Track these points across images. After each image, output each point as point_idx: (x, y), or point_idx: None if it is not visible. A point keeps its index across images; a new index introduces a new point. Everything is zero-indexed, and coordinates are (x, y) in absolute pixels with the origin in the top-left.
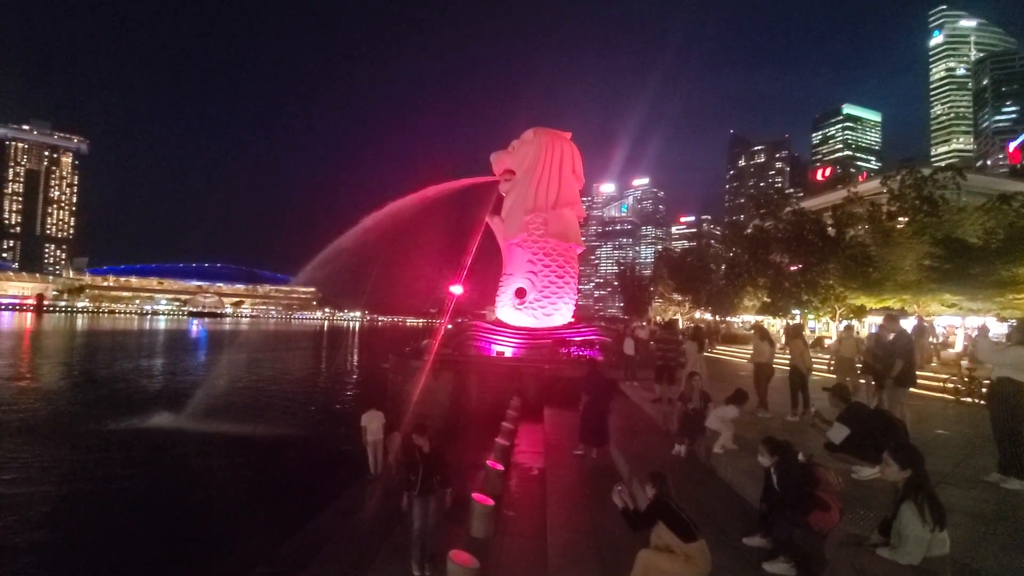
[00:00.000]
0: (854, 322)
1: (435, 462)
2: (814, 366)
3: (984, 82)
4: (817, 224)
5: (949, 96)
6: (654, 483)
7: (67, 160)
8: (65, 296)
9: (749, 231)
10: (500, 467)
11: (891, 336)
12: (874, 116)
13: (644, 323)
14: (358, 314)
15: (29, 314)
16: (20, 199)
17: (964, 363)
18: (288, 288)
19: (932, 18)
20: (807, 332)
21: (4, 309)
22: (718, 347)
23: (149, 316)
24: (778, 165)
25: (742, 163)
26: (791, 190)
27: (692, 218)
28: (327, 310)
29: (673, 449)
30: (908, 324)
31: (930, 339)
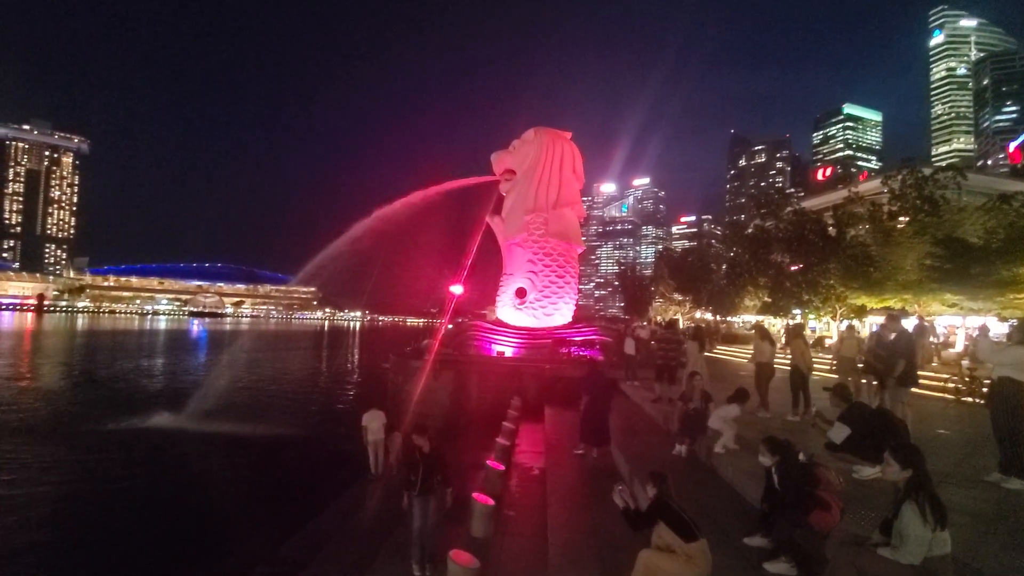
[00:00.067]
0: (855, 322)
1: (435, 462)
2: (815, 366)
3: (984, 82)
4: (818, 224)
5: (950, 96)
6: (655, 483)
7: (67, 160)
8: (66, 296)
9: (750, 231)
10: (500, 467)
11: (892, 336)
12: (875, 116)
13: (645, 323)
14: (358, 314)
15: (30, 314)
16: (21, 199)
17: (965, 363)
18: (288, 288)
19: (932, 18)
20: (808, 332)
21: (5, 309)
22: (718, 347)
23: (150, 316)
24: (779, 165)
25: (743, 163)
26: (792, 190)
27: (693, 218)
28: (327, 310)
29: (674, 449)
30: (909, 324)
31: (931, 339)
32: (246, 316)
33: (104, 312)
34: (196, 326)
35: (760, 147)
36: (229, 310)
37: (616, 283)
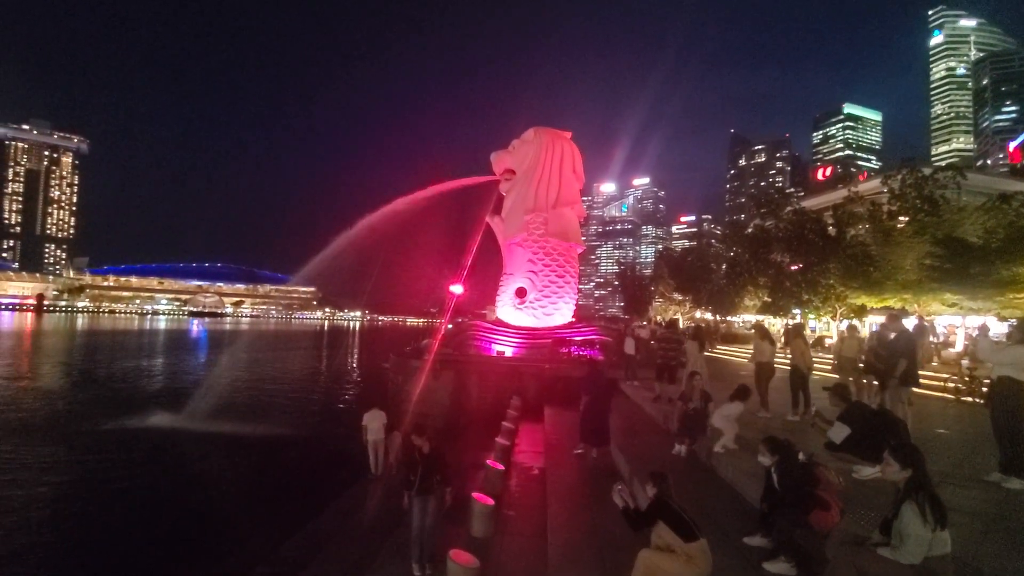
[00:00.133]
0: (855, 322)
1: (435, 462)
2: (815, 366)
3: (984, 82)
4: (818, 223)
5: (949, 96)
6: (655, 483)
7: (67, 160)
8: (65, 296)
9: (750, 231)
10: (500, 467)
11: (892, 335)
12: (875, 116)
13: (644, 323)
14: (358, 314)
15: (29, 314)
16: (20, 199)
17: (965, 362)
18: (288, 288)
19: (932, 18)
20: (808, 332)
21: (4, 309)
22: (718, 347)
23: (149, 316)
24: (779, 164)
25: (743, 162)
26: (792, 189)
27: (692, 218)
28: (327, 310)
29: (673, 449)
30: (908, 324)
31: (930, 339)
32: (246, 316)
33: (104, 312)
34: (196, 326)
35: (760, 147)
36: (229, 310)
37: (616, 283)
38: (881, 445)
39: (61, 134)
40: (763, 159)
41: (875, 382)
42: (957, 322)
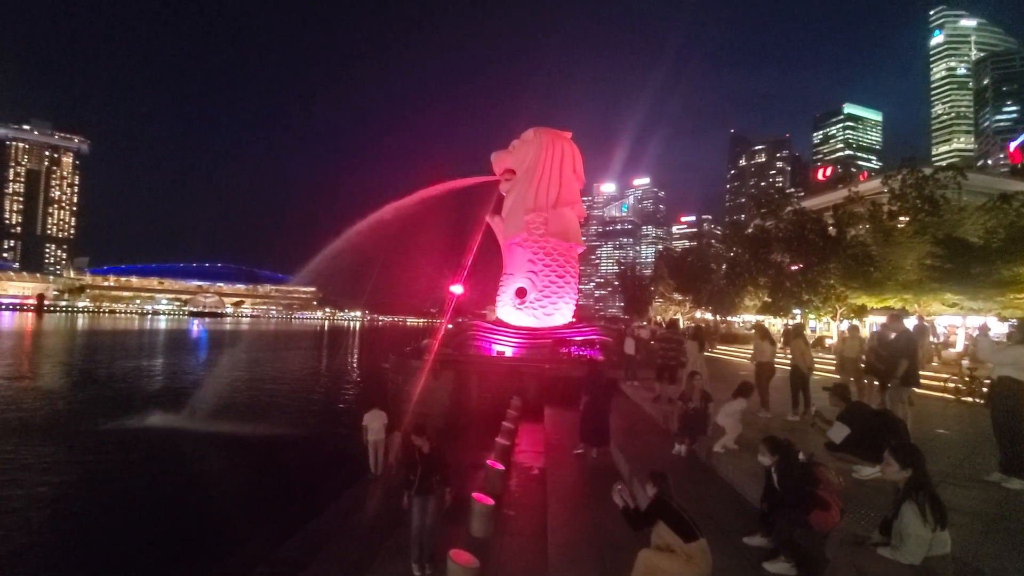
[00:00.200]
0: (856, 322)
1: (435, 462)
2: (816, 366)
3: (985, 82)
4: (818, 224)
5: (950, 96)
6: (655, 482)
7: (68, 160)
8: (66, 296)
9: (750, 231)
10: (500, 466)
11: (893, 335)
12: (875, 115)
13: (645, 323)
14: (358, 314)
15: (30, 314)
16: (21, 199)
17: (965, 363)
18: (288, 288)
19: (932, 18)
20: (808, 332)
21: (5, 309)
22: (718, 347)
23: (150, 316)
24: (779, 165)
25: (743, 163)
26: (792, 189)
27: (693, 218)
28: (327, 310)
29: (673, 449)
30: (908, 324)
31: (931, 339)
32: (246, 316)
33: (104, 312)
34: (196, 326)
35: (760, 147)
36: (229, 310)
37: (616, 283)
38: (881, 445)
39: (61, 134)
40: (763, 159)
41: (876, 382)
42: (957, 322)
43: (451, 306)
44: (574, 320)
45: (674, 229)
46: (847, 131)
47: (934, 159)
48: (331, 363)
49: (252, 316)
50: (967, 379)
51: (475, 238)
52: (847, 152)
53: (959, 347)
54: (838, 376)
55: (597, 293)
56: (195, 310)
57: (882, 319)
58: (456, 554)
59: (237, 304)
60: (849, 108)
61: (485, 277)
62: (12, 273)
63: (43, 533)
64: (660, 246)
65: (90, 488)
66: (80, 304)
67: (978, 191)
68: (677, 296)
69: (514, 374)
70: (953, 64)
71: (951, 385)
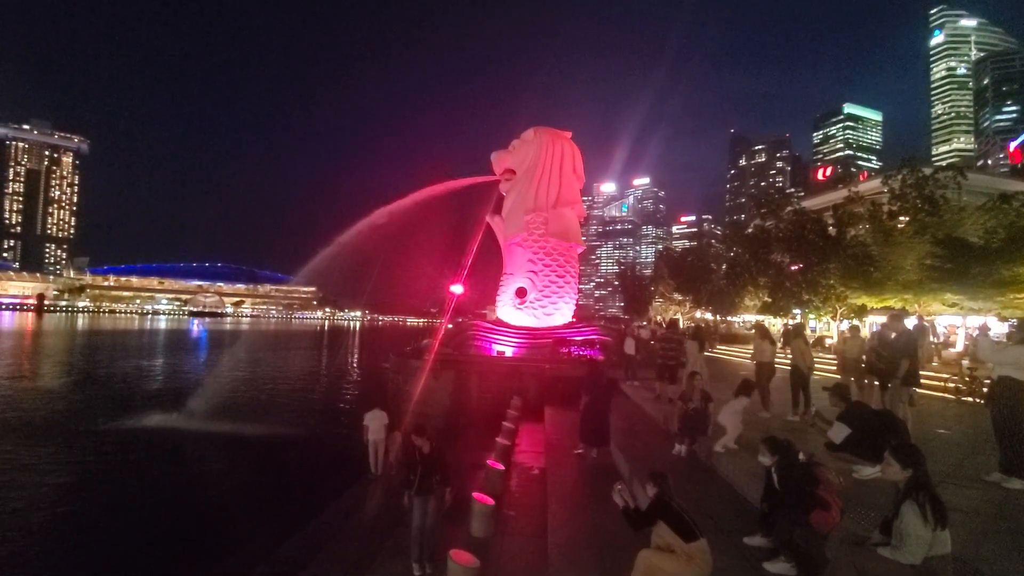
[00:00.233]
0: (856, 322)
1: (435, 462)
2: (816, 366)
3: (985, 81)
4: (818, 224)
5: (950, 95)
6: (655, 482)
7: (67, 160)
8: (66, 296)
9: (750, 231)
10: (501, 466)
11: (893, 335)
12: (875, 115)
13: (645, 323)
14: (358, 314)
15: (30, 314)
16: (21, 199)
17: (965, 363)
18: (288, 288)
19: (932, 18)
20: (808, 332)
21: (5, 309)
22: (718, 347)
23: (150, 316)
24: (779, 164)
25: (743, 162)
26: (792, 189)
27: (693, 218)
28: (327, 310)
29: (673, 449)
30: (909, 324)
31: (931, 339)
32: (246, 316)
33: (104, 312)
34: (196, 326)
35: (760, 147)
36: (229, 310)
37: (616, 283)
38: (881, 445)
39: (61, 134)
40: (763, 159)
41: (876, 383)
42: (958, 322)
43: (451, 306)
44: (574, 320)
45: (674, 229)
46: (847, 131)
47: (934, 159)
48: (331, 363)
49: (252, 316)
50: (967, 379)
51: (475, 238)
52: (847, 152)
53: (959, 347)
54: (839, 376)
55: (597, 293)
56: (195, 310)
57: (882, 319)
58: (456, 554)
59: (237, 304)
60: (849, 108)
61: (485, 277)
62: (12, 273)
63: (43, 533)
64: (660, 246)
65: (90, 488)
66: (80, 304)
67: (978, 191)
68: (677, 296)
69: (514, 374)
70: (953, 64)
71: (951, 385)
